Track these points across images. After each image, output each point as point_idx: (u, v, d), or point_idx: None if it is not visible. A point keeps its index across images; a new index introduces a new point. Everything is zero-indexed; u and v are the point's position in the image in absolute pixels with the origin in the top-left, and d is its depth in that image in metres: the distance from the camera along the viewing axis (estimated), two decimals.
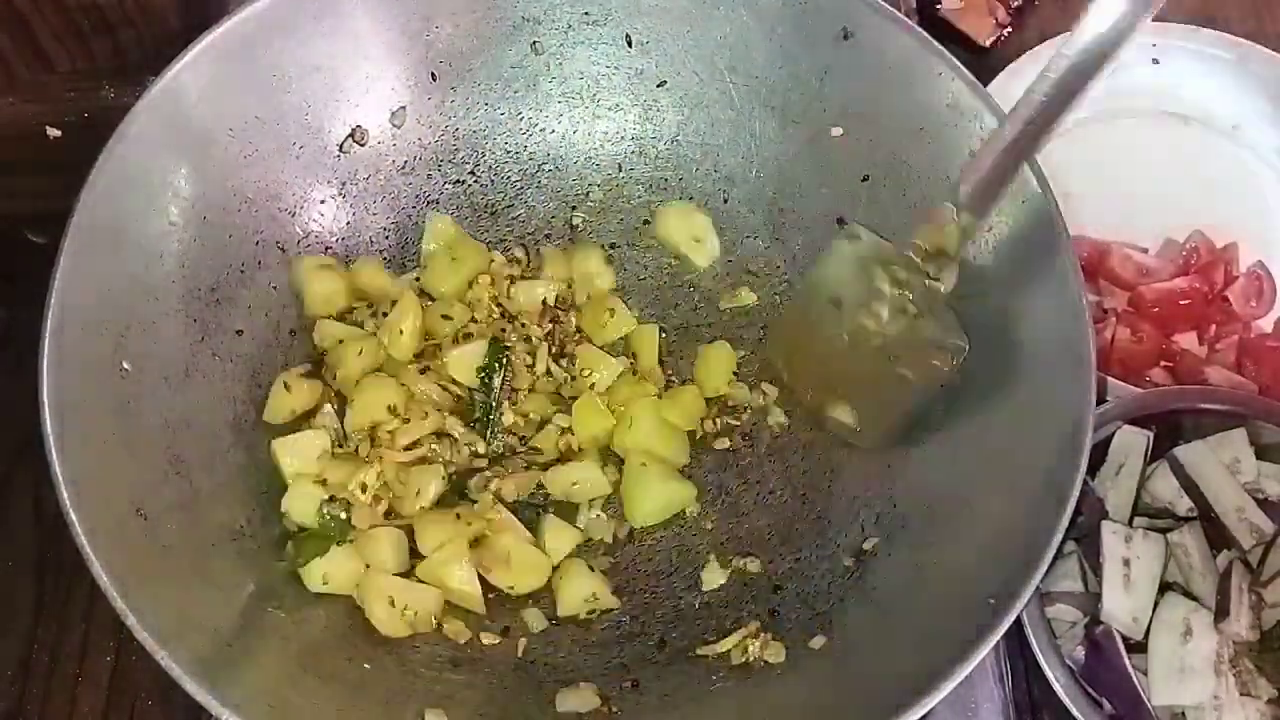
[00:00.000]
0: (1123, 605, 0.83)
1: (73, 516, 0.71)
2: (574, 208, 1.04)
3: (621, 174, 1.04)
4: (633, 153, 1.04)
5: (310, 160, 0.95)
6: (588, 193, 1.04)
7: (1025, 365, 0.85)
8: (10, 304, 1.04)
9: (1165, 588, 0.85)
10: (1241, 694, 0.81)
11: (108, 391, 0.79)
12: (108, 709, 0.89)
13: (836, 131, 0.95)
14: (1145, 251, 1.12)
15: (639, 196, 1.04)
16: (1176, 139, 1.17)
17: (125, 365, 0.80)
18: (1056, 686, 0.83)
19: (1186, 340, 1.08)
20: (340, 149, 0.96)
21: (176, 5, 1.17)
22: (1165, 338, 1.07)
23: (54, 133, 1.11)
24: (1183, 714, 0.82)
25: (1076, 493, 0.76)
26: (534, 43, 0.99)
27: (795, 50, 0.95)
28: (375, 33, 0.94)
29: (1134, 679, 0.82)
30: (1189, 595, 0.84)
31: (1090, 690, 0.84)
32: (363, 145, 0.97)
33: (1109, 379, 0.97)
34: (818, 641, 0.84)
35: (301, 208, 0.95)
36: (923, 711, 0.71)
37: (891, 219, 0.94)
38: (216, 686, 0.69)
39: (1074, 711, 0.83)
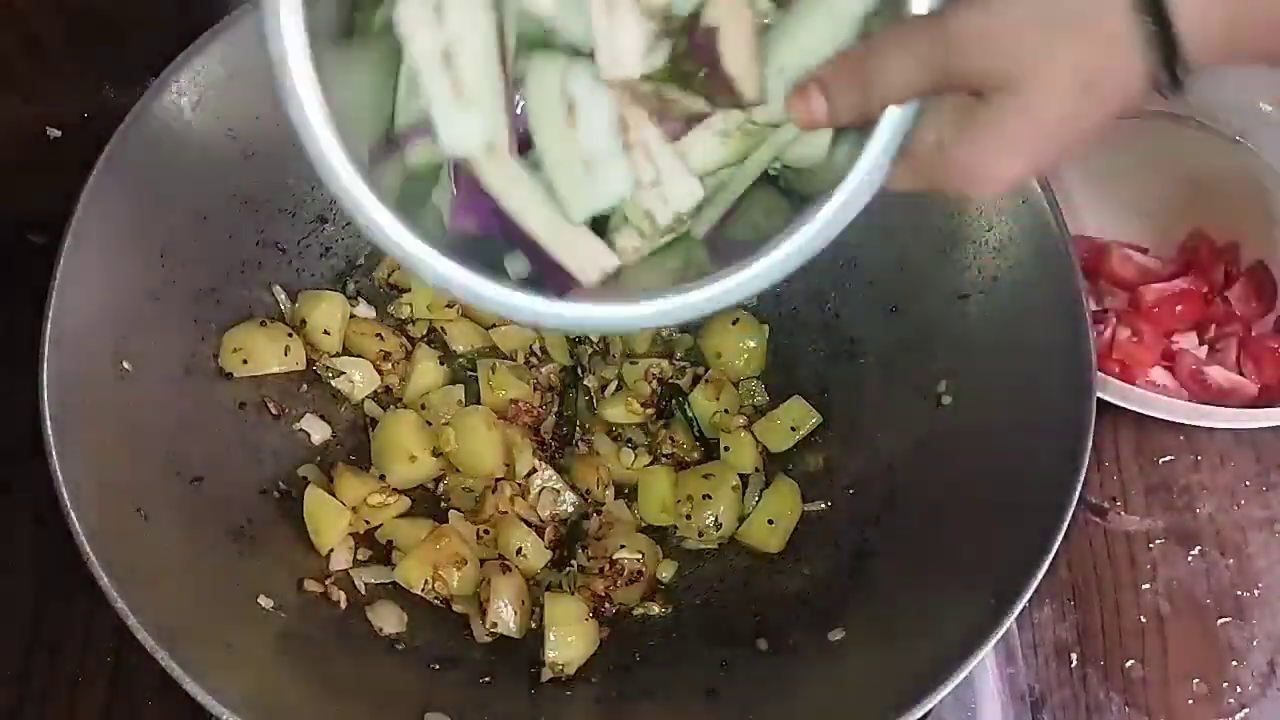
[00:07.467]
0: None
1: (73, 516, 0.71)
2: None
3: None
4: None
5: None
6: None
7: (1025, 365, 0.85)
8: (10, 304, 1.04)
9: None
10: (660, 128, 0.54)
11: (108, 391, 0.78)
12: (108, 709, 0.88)
13: None
14: (1145, 251, 1.12)
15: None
16: (1176, 139, 1.17)
17: (125, 365, 0.80)
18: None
19: (1186, 340, 1.07)
20: None
21: (176, 5, 1.17)
22: (1165, 338, 1.07)
23: (54, 133, 1.10)
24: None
25: (1076, 494, 0.76)
26: None
27: None
28: None
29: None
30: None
31: None
32: None
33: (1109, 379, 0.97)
34: (818, 641, 0.84)
35: (301, 208, 0.95)
36: (923, 711, 0.71)
37: (894, 218, 0.94)
38: (216, 686, 0.69)
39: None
